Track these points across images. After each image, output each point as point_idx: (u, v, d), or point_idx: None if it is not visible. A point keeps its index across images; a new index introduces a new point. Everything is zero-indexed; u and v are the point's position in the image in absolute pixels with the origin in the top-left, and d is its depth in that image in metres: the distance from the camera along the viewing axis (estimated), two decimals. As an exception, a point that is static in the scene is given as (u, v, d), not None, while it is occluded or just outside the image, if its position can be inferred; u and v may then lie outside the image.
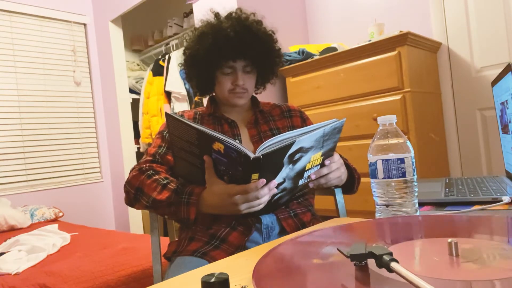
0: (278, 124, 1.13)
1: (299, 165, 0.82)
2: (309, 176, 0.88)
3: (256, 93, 1.22)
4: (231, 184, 0.81)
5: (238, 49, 1.04)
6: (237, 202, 0.79)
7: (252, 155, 0.73)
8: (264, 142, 0.76)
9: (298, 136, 0.77)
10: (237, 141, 0.76)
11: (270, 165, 0.76)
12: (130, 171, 1.01)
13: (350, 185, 1.06)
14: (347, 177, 1.01)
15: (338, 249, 0.45)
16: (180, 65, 1.17)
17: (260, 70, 1.12)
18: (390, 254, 0.39)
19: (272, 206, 0.89)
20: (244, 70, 1.08)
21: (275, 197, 0.86)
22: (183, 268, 0.86)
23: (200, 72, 1.10)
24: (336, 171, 0.92)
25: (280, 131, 1.10)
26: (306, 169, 0.85)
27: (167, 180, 0.93)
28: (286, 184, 0.85)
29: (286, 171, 0.80)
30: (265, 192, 0.79)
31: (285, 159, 0.77)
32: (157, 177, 0.94)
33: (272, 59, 1.12)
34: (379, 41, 1.96)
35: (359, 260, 0.41)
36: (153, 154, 1.03)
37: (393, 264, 0.38)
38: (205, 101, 2.61)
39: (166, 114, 0.86)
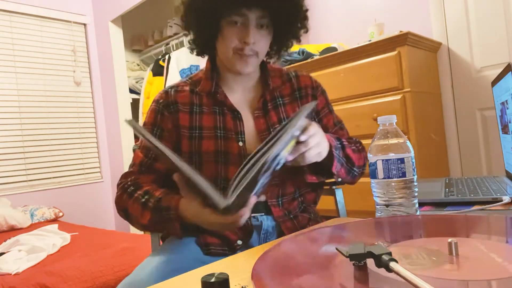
0: (288, 110, 0.96)
1: (274, 164, 0.73)
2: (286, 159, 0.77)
3: (267, 62, 1.00)
4: (207, 210, 0.72)
5: None
6: (215, 227, 0.75)
7: (221, 204, 0.64)
8: (232, 183, 0.66)
9: (267, 157, 0.65)
10: (206, 181, 0.66)
11: (244, 195, 0.68)
12: (117, 186, 0.97)
13: (347, 173, 0.94)
14: (341, 167, 0.91)
15: (337, 249, 0.45)
16: (176, 9, 0.95)
17: (277, 30, 0.90)
18: (389, 253, 0.39)
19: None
20: (258, 24, 0.85)
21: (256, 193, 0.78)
22: (175, 241, 0.88)
23: (201, 19, 0.87)
24: (315, 148, 0.77)
25: None
26: (281, 157, 0.75)
27: (146, 196, 0.86)
28: (263, 181, 0.75)
29: (263, 178, 0.72)
30: (244, 213, 0.70)
31: (259, 176, 0.68)
32: (137, 194, 0.88)
33: (296, 18, 0.89)
34: (379, 41, 1.96)
35: (358, 259, 0.41)
36: (140, 164, 0.95)
37: (392, 264, 0.37)
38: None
39: (128, 122, 0.72)
